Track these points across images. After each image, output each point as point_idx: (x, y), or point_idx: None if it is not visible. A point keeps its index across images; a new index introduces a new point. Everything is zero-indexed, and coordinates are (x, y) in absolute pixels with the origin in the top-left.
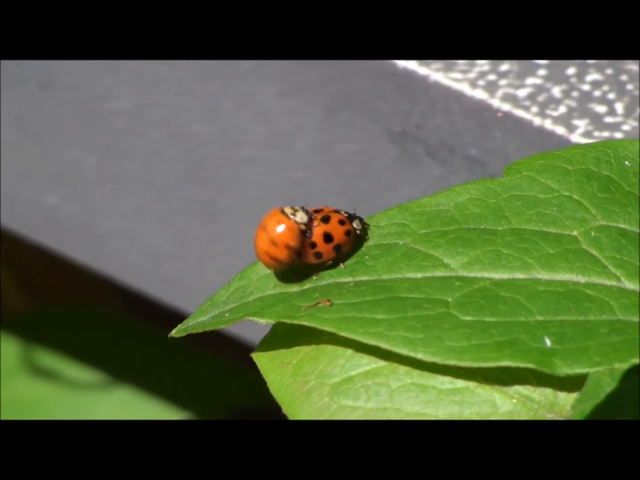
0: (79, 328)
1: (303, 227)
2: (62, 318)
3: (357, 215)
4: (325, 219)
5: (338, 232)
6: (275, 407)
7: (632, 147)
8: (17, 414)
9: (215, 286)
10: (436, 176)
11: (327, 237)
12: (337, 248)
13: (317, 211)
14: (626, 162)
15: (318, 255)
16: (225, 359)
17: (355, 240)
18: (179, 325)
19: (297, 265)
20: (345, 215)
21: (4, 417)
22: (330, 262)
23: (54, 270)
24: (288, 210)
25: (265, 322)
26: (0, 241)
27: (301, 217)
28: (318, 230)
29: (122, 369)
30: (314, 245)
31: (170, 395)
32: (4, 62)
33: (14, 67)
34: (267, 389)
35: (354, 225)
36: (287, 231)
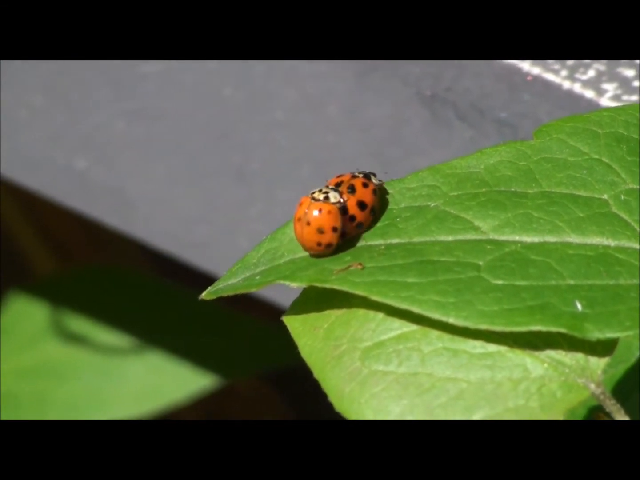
0: (108, 290)
1: (339, 205)
2: (91, 280)
3: (366, 172)
4: (352, 188)
5: (367, 196)
6: (305, 370)
7: None
8: (46, 378)
9: (246, 250)
10: (466, 139)
11: (361, 205)
12: (372, 211)
13: (337, 184)
14: None
15: (359, 225)
16: (255, 320)
17: (381, 196)
18: (210, 288)
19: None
20: (362, 175)
21: (32, 382)
22: (368, 226)
23: (83, 233)
24: (319, 196)
25: (296, 286)
26: (31, 205)
27: (334, 196)
28: (351, 202)
29: (152, 332)
30: (353, 218)
31: (201, 358)
32: None
33: None
34: (298, 352)
35: (375, 182)
36: (329, 215)
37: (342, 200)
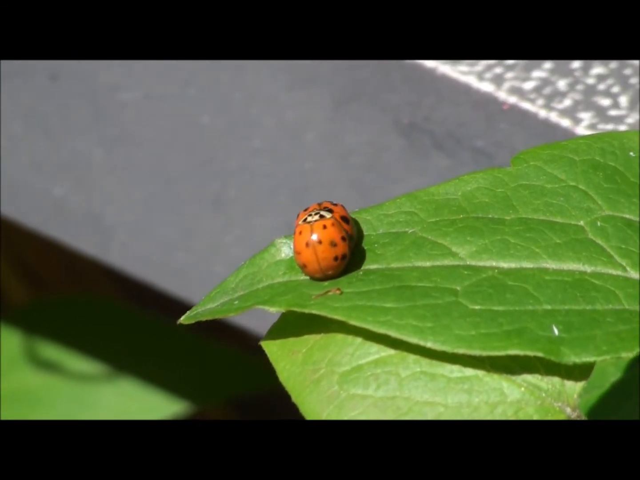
0: (81, 318)
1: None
2: (64, 309)
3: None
4: (329, 209)
5: (345, 212)
6: (275, 396)
7: (636, 139)
8: (19, 406)
9: (222, 277)
10: (443, 168)
11: (345, 219)
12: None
13: (306, 210)
14: (631, 153)
15: (351, 237)
16: (226, 347)
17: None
18: (188, 312)
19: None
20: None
21: (6, 409)
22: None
23: (55, 261)
24: (312, 218)
25: (275, 311)
26: (2, 233)
27: (324, 212)
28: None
29: (124, 360)
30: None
31: (173, 385)
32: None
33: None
34: (269, 379)
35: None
36: (334, 227)
37: (332, 214)
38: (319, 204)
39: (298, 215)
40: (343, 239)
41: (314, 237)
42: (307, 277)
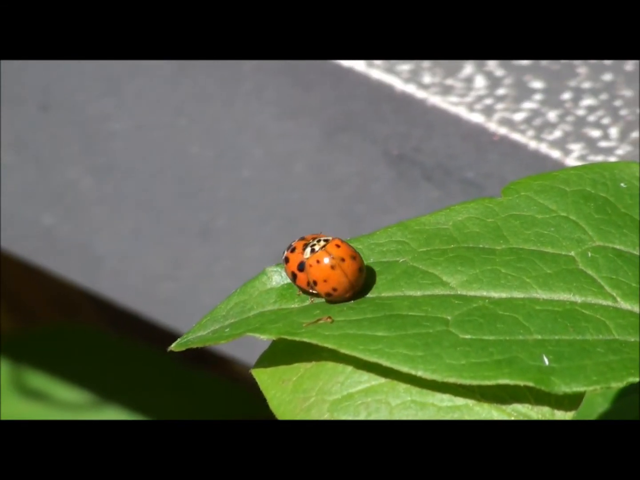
0: (68, 348)
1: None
2: (51, 338)
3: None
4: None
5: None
6: None
7: (627, 169)
8: None
9: (210, 307)
10: (433, 199)
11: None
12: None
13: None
14: (622, 184)
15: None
16: (212, 378)
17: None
18: (179, 340)
19: None
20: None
21: None
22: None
23: (42, 290)
24: (318, 246)
25: (265, 338)
26: None
27: (322, 240)
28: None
29: (111, 389)
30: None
31: (159, 414)
32: (3, 82)
33: (13, 88)
34: (256, 408)
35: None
36: (343, 243)
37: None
38: (312, 236)
39: (292, 250)
40: (355, 251)
41: (336, 257)
42: (299, 306)
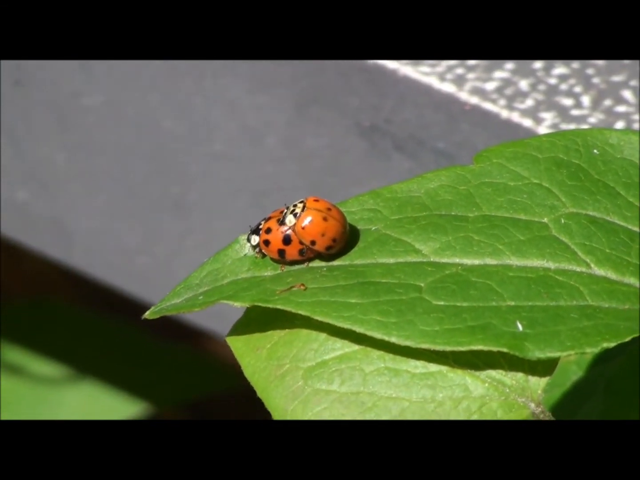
0: (43, 322)
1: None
2: (26, 313)
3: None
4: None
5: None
6: (238, 396)
7: (600, 136)
8: None
9: None
10: (405, 170)
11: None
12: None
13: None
14: (594, 151)
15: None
16: (185, 349)
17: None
18: (153, 308)
19: None
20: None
21: None
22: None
23: (17, 266)
24: (298, 208)
25: (239, 306)
26: None
27: (298, 202)
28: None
29: (86, 362)
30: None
31: (134, 388)
32: None
33: None
34: (230, 381)
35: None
36: (317, 199)
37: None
38: (277, 211)
39: (268, 232)
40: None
41: (322, 209)
42: (272, 274)
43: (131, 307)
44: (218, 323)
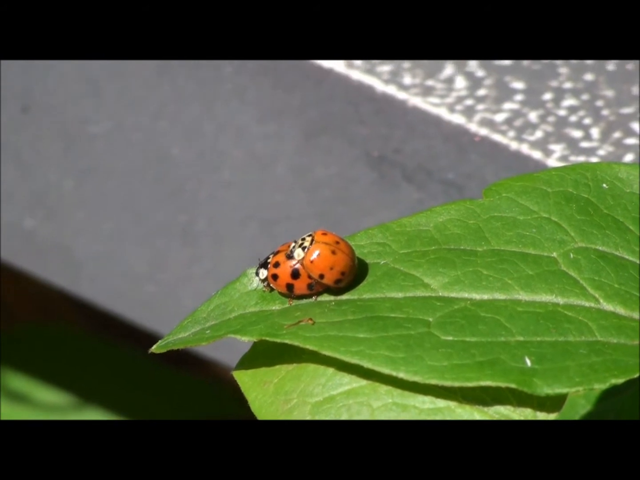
0: (50, 349)
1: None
2: (31, 340)
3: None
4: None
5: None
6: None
7: (609, 170)
8: None
9: (190, 308)
10: (414, 200)
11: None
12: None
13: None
14: (604, 185)
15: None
16: (192, 378)
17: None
18: (159, 342)
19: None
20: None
21: None
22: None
23: (25, 292)
24: (306, 242)
25: (247, 340)
26: None
27: (307, 235)
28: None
29: (91, 390)
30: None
31: (139, 416)
32: None
33: None
34: (237, 410)
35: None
36: (325, 232)
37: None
38: (285, 245)
39: (276, 266)
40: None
41: (331, 242)
42: (280, 308)
43: (137, 334)
44: (227, 352)
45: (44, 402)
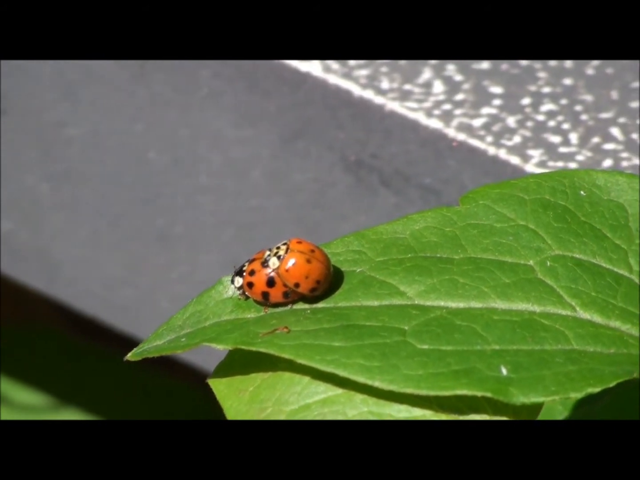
0: (26, 351)
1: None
2: (9, 341)
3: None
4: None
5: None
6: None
7: (587, 177)
8: None
9: (167, 312)
10: (391, 205)
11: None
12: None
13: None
14: (581, 192)
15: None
16: (174, 381)
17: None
18: (135, 349)
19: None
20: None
21: None
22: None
23: (3, 294)
24: (281, 251)
25: (222, 348)
26: None
27: (281, 244)
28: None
29: (69, 392)
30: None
31: (117, 418)
32: None
33: None
34: (218, 411)
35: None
36: (300, 241)
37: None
38: (259, 253)
39: (252, 274)
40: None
41: (306, 251)
42: (255, 316)
43: (115, 336)
44: (205, 357)
45: (22, 403)
